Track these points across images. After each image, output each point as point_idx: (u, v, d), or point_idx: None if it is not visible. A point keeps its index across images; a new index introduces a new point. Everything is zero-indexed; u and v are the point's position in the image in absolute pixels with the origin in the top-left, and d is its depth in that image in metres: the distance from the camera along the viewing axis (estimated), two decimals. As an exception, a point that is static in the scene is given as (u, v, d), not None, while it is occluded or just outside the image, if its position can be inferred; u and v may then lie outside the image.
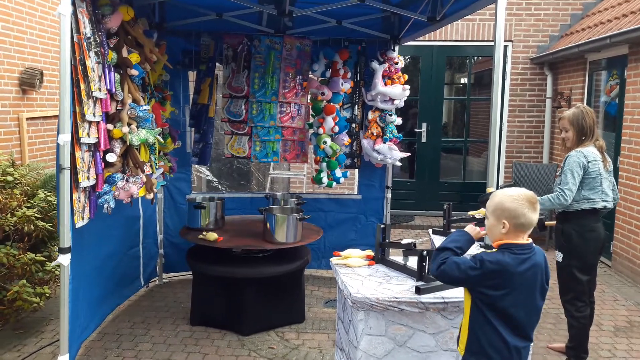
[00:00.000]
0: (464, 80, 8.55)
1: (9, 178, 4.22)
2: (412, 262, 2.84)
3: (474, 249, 3.45)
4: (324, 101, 4.75)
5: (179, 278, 5.25)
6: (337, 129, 4.75)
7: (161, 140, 3.88)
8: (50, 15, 6.11)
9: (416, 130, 8.04)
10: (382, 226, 3.01)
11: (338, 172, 4.93)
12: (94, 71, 2.98)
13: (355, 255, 3.11)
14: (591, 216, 3.45)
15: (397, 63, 4.92)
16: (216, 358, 3.68)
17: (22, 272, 3.81)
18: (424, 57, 7.96)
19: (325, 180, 4.86)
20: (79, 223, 2.99)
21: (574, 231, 3.46)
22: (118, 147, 3.25)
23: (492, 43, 2.96)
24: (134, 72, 3.37)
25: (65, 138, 2.72)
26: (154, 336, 3.99)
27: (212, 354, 3.73)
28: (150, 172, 3.62)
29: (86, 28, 2.94)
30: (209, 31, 4.73)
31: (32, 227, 3.94)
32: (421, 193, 8.08)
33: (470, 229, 2.36)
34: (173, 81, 4.68)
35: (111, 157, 3.18)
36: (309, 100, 4.94)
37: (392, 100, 4.86)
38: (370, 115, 4.97)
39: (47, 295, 3.99)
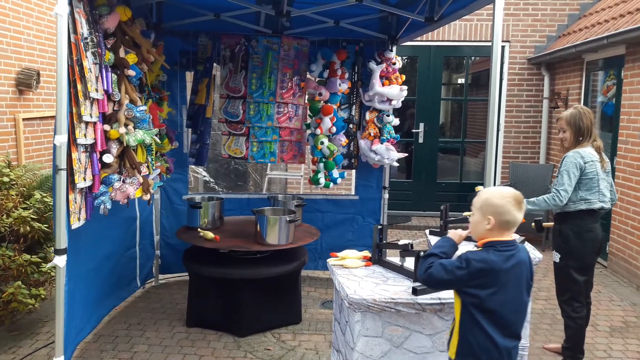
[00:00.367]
0: (461, 81, 8.56)
1: (5, 179, 4.20)
2: (409, 263, 2.84)
3: (471, 250, 3.45)
4: (322, 102, 4.74)
5: (176, 279, 5.24)
6: (334, 129, 4.75)
7: (158, 141, 3.87)
8: (47, 15, 6.09)
9: (413, 130, 8.04)
10: (379, 227, 3.00)
11: (335, 173, 4.93)
12: (91, 72, 2.97)
13: (352, 256, 3.11)
14: (588, 217, 3.46)
15: (394, 63, 4.91)
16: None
17: (18, 273, 3.80)
18: (421, 58, 7.97)
19: (322, 180, 4.86)
20: (75, 224, 2.98)
21: (571, 232, 3.46)
22: (115, 148, 3.24)
23: (489, 43, 2.95)
24: (131, 72, 3.36)
25: (61, 139, 2.71)
26: (150, 338, 3.98)
27: (208, 356, 3.72)
28: (147, 173, 3.60)
29: (83, 28, 2.93)
30: (207, 31, 4.72)
31: (28, 228, 3.93)
32: (418, 194, 8.08)
33: (453, 233, 2.38)
34: (170, 82, 4.67)
35: (108, 158, 3.17)
36: (306, 101, 4.94)
37: (389, 100, 4.86)
38: (368, 116, 4.97)
39: (43, 296, 3.97)
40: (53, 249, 2.93)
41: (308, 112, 4.93)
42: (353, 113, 5.09)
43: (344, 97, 4.96)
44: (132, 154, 3.37)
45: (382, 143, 4.92)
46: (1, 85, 5.31)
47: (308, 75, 4.88)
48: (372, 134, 4.94)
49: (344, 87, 4.78)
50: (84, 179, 2.99)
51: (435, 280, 2.19)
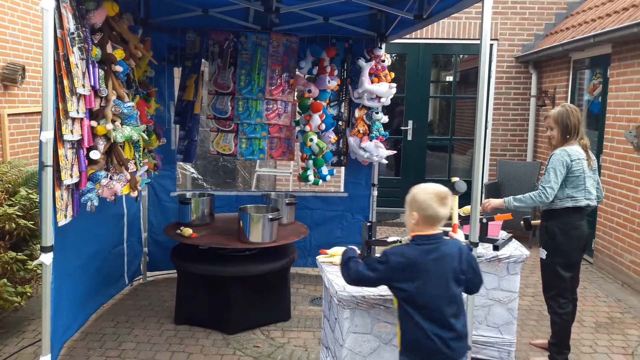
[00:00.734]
0: (449, 78, 8.59)
1: (-10, 175, 4.15)
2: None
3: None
4: (311, 99, 4.74)
5: (164, 276, 5.21)
6: (323, 126, 4.75)
7: (146, 137, 3.84)
8: (32, 10, 6.01)
9: (402, 128, 8.07)
10: (368, 224, 3.01)
11: (324, 170, 4.93)
12: (77, 67, 2.94)
13: (341, 254, 3.11)
14: (575, 214, 3.49)
15: (383, 61, 4.92)
16: (201, 357, 3.66)
17: (3, 271, 3.75)
18: (410, 55, 7.98)
19: (311, 177, 4.86)
20: (62, 221, 2.95)
21: (557, 229, 3.49)
22: (102, 145, 3.21)
23: (478, 41, 2.97)
24: (119, 68, 3.33)
25: (48, 135, 2.67)
26: (138, 335, 3.96)
27: (196, 353, 3.71)
28: (135, 169, 3.58)
29: (70, 23, 2.89)
30: (195, 27, 4.69)
31: (13, 225, 3.88)
32: (407, 191, 7.97)
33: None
34: (158, 77, 4.63)
35: (95, 155, 3.14)
36: (295, 98, 4.92)
37: (378, 98, 4.87)
38: (357, 113, 4.97)
39: (29, 294, 3.93)
40: (39, 246, 2.90)
41: (297, 109, 4.92)
42: (342, 110, 5.09)
43: (333, 94, 4.95)
44: (120, 150, 3.34)
45: (371, 140, 4.93)
46: (-15, 80, 5.24)
47: (297, 72, 4.87)
48: (361, 131, 4.95)
49: (333, 84, 4.78)
50: (71, 176, 2.96)
51: (364, 281, 2.35)
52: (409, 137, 8.07)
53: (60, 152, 2.84)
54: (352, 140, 4.99)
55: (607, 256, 5.71)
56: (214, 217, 4.59)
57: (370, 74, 4.82)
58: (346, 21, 4.67)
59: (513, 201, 3.55)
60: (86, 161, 3.10)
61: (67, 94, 2.85)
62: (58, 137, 2.82)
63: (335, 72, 4.84)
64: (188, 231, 4.10)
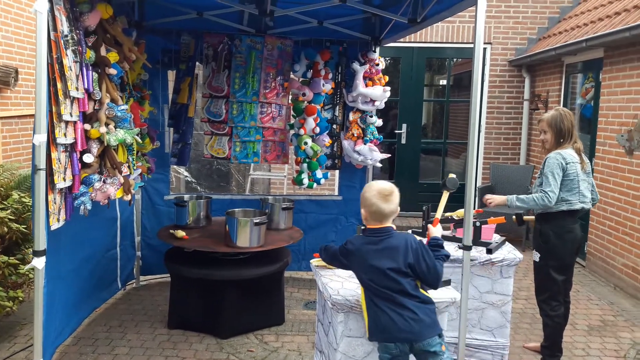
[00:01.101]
0: (443, 82, 8.62)
1: (-18, 178, 4.12)
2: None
3: (453, 250, 3.49)
4: (305, 102, 4.74)
5: (157, 280, 5.19)
6: (318, 129, 4.75)
7: (139, 140, 3.83)
8: (26, 12, 5.98)
9: (396, 131, 8.08)
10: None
11: (319, 173, 4.92)
12: (71, 70, 2.92)
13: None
14: (569, 217, 3.51)
15: (378, 64, 4.93)
16: (195, 361, 3.65)
17: (-5, 275, 3.73)
18: (404, 59, 8.01)
19: (306, 181, 4.85)
20: (55, 225, 2.93)
21: (551, 232, 3.51)
22: (95, 148, 3.20)
23: (471, 45, 2.98)
24: (112, 71, 3.31)
25: (41, 138, 2.66)
26: (131, 340, 3.94)
27: (190, 358, 3.69)
28: (128, 173, 3.56)
29: (63, 26, 2.88)
30: (189, 30, 4.68)
31: (6, 229, 3.85)
32: (401, 194, 8.01)
33: None
34: (152, 80, 4.62)
35: (88, 158, 3.12)
36: (290, 101, 4.93)
37: (372, 101, 4.88)
38: (351, 117, 4.98)
39: (21, 299, 3.90)
40: (31, 250, 2.88)
41: (291, 112, 4.92)
42: (336, 113, 5.09)
43: (327, 97, 4.96)
44: (113, 153, 3.32)
45: (365, 144, 4.94)
46: (-22, 82, 5.21)
47: (292, 75, 4.87)
48: (355, 135, 4.95)
49: (327, 87, 4.79)
50: (64, 179, 2.95)
51: (335, 258, 2.66)
52: (403, 141, 8.09)
53: (54, 155, 2.82)
54: (346, 143, 5.00)
55: (599, 259, 5.74)
56: (210, 220, 4.58)
57: (364, 78, 4.83)
58: (340, 25, 4.67)
59: (516, 200, 3.56)
60: (79, 164, 3.09)
61: (61, 97, 2.84)
62: (51, 140, 2.80)
63: (330, 76, 4.85)
64: (180, 233, 4.11)
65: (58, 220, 2.97)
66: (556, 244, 3.50)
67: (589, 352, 3.97)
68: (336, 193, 5.95)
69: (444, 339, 2.50)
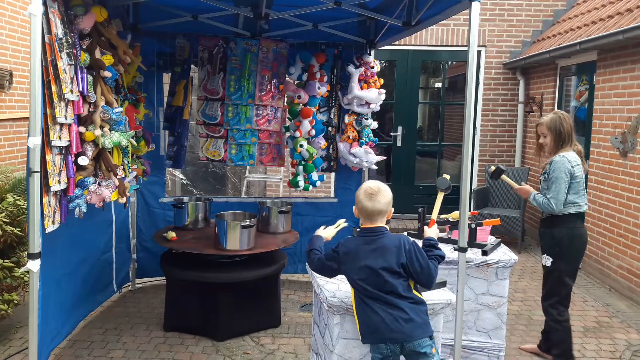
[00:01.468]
0: (438, 85, 8.65)
1: (-24, 181, 4.11)
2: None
3: (448, 252, 3.50)
4: (301, 104, 4.74)
5: (152, 283, 5.17)
6: (313, 132, 4.75)
7: (134, 143, 3.83)
8: (20, 15, 5.98)
9: (392, 134, 8.10)
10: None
11: (314, 176, 4.93)
12: (65, 73, 2.92)
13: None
14: (578, 220, 3.49)
15: (373, 67, 4.95)
16: (191, 364, 3.64)
17: (-10, 278, 3.71)
18: (399, 62, 8.03)
19: (301, 183, 4.86)
20: (50, 228, 2.92)
21: (565, 235, 3.46)
22: (90, 150, 3.19)
23: (466, 48, 2.99)
24: (107, 74, 3.31)
25: (35, 141, 2.65)
26: (127, 343, 3.93)
27: (186, 360, 3.68)
28: (123, 175, 3.56)
29: (58, 29, 2.88)
30: (184, 33, 4.68)
31: (0, 232, 3.84)
32: (396, 196, 8.00)
33: (322, 232, 2.90)
34: (147, 83, 4.62)
35: (83, 161, 3.12)
36: (285, 104, 4.93)
37: (368, 104, 4.89)
38: (347, 119, 4.99)
39: (16, 302, 3.88)
40: (26, 253, 2.87)
41: (287, 114, 4.92)
42: (332, 116, 5.10)
43: (323, 100, 4.97)
44: (108, 156, 3.32)
45: (360, 146, 4.94)
46: (-28, 85, 5.19)
47: (287, 78, 4.88)
48: (351, 137, 4.96)
49: (323, 90, 4.79)
50: (59, 182, 2.94)
51: (324, 269, 2.62)
52: (399, 143, 8.10)
53: (48, 158, 2.82)
54: (342, 146, 5.00)
55: (594, 261, 5.76)
56: (209, 222, 4.59)
57: (359, 80, 4.85)
58: (335, 28, 4.69)
59: (532, 198, 3.53)
60: (74, 167, 3.08)
61: (55, 100, 2.83)
62: (46, 143, 2.80)
63: (325, 78, 4.86)
64: (171, 234, 4.14)
65: (53, 222, 2.97)
66: (569, 247, 3.45)
67: (584, 354, 3.98)
68: (332, 195, 5.96)
69: (434, 341, 2.50)
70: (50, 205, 2.90)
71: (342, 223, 3.06)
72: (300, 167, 4.85)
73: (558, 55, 6.29)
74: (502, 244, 3.84)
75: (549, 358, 3.72)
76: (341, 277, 2.92)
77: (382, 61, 8.20)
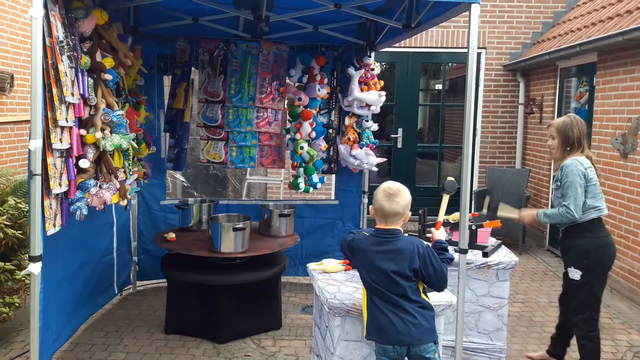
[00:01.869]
0: (438, 87, 8.66)
1: (-23, 184, 4.11)
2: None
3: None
4: (301, 107, 4.75)
5: (153, 286, 5.17)
6: (314, 134, 4.76)
7: (135, 145, 3.83)
8: (21, 18, 5.99)
9: (392, 135, 8.11)
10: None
11: (315, 178, 4.93)
12: (66, 75, 2.93)
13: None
14: (602, 227, 3.32)
15: (373, 69, 4.95)
16: (192, 366, 3.64)
17: (-9, 281, 3.71)
18: (399, 64, 8.04)
19: (302, 185, 4.86)
20: (51, 230, 2.92)
21: (592, 247, 3.26)
22: (91, 153, 3.20)
23: (466, 50, 3.00)
24: (108, 76, 3.32)
25: (36, 144, 2.66)
26: (128, 345, 3.93)
27: (187, 362, 3.68)
28: (124, 178, 3.56)
29: (59, 32, 2.89)
30: (185, 35, 4.69)
31: (2, 234, 3.84)
32: (397, 198, 8.10)
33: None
34: (148, 86, 4.62)
35: (84, 163, 3.12)
36: (285, 106, 4.94)
37: (368, 106, 4.90)
38: (347, 121, 4.99)
39: (17, 305, 3.89)
40: (28, 255, 2.87)
41: (287, 117, 4.93)
42: (332, 118, 5.11)
43: (323, 102, 4.97)
44: (109, 159, 3.32)
45: (361, 148, 4.95)
46: (-27, 89, 5.20)
47: (287, 80, 4.89)
48: (351, 139, 4.97)
49: (323, 92, 4.80)
50: (60, 185, 2.94)
51: (345, 253, 2.66)
52: (399, 145, 8.11)
53: (49, 160, 2.82)
54: (342, 148, 5.01)
55: (595, 262, 5.75)
56: None
57: (359, 82, 4.85)
58: (336, 30, 4.70)
59: (543, 216, 3.38)
60: (75, 170, 3.09)
61: (56, 103, 2.84)
62: (47, 145, 2.80)
63: (325, 81, 4.86)
64: (170, 235, 4.17)
65: (54, 225, 2.97)
66: (599, 257, 3.26)
67: (585, 355, 3.97)
68: (332, 197, 5.96)
69: (438, 346, 2.50)
70: (51, 208, 2.91)
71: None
72: (301, 169, 4.85)
73: (558, 56, 6.30)
74: (502, 246, 3.84)
75: None
76: (342, 279, 2.93)
77: (383, 63, 8.22)
